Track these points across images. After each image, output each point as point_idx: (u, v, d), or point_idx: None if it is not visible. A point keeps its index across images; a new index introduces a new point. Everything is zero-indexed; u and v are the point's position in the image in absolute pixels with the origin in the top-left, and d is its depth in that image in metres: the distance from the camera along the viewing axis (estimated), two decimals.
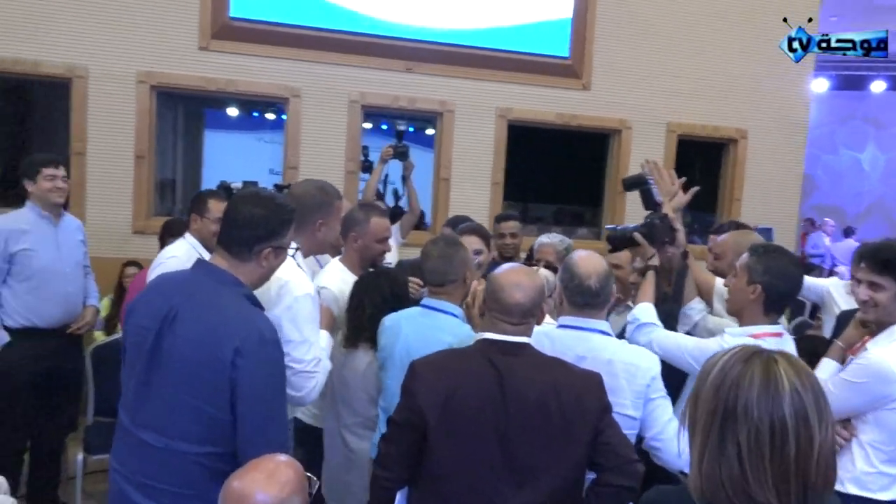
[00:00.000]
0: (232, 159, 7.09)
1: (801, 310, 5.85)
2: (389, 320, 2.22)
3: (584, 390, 1.65)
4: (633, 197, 5.21)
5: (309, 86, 4.73)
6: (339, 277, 2.52)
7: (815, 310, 4.63)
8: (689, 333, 2.48)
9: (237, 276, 1.72)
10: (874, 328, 2.04)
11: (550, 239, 3.09)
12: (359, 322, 2.32)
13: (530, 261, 3.25)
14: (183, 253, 2.87)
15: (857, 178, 12.47)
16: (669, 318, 2.43)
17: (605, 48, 5.20)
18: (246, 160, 7.13)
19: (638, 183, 2.40)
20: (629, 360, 1.90)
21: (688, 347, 2.10)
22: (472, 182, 5.05)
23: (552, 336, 1.98)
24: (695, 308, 2.47)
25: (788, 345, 2.08)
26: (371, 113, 5.04)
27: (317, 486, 1.28)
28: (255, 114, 7.95)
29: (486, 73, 4.99)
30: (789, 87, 5.46)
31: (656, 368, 1.92)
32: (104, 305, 3.89)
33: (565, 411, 1.61)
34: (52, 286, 3.04)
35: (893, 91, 11.60)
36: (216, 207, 2.94)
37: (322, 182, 2.27)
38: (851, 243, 10.11)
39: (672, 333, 2.19)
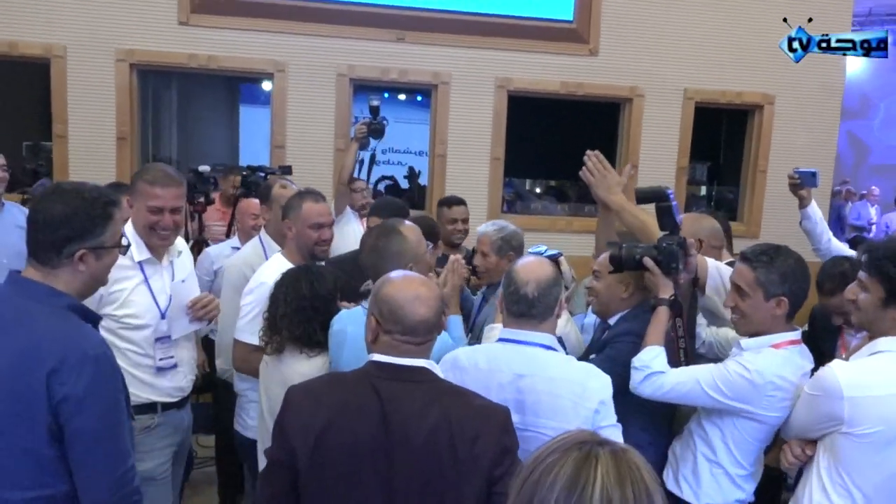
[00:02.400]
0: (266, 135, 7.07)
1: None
2: (337, 323, 2.05)
3: (482, 428, 1.45)
4: (647, 171, 5.00)
5: (294, 59, 4.58)
6: (277, 270, 2.38)
7: None
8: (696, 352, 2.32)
9: (54, 285, 1.55)
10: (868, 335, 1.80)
11: (486, 228, 2.80)
12: (272, 321, 2.15)
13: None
14: None
15: None
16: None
17: (613, 9, 4.87)
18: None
19: (655, 197, 2.12)
20: (575, 379, 1.73)
21: (705, 378, 1.90)
22: (470, 158, 4.84)
23: (489, 352, 1.82)
24: (701, 323, 2.30)
25: (800, 355, 1.93)
26: (361, 86, 4.86)
27: None
28: None
29: (484, 41, 4.73)
30: None
31: (607, 391, 1.74)
32: None
33: (458, 455, 1.42)
34: None
35: None
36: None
37: (154, 165, 2.25)
38: None
39: (682, 369, 1.99)
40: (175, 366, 2.29)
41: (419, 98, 7.48)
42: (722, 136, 5.72)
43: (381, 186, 7.34)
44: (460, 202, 3.67)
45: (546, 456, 0.82)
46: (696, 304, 2.21)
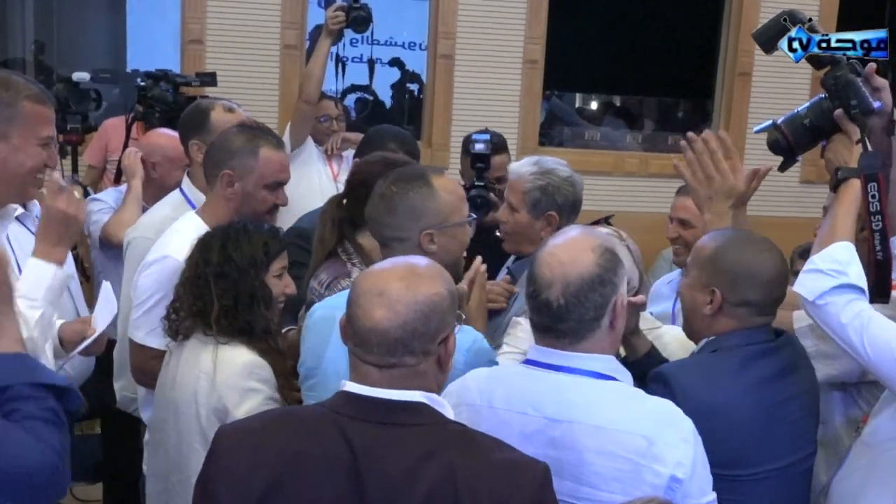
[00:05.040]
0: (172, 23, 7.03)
1: None
2: (321, 309, 2.15)
3: (504, 495, 1.47)
4: (765, 82, 4.91)
5: None
6: (193, 240, 2.39)
7: None
8: None
9: None
10: None
11: (520, 167, 2.72)
12: (176, 294, 2.33)
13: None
14: None
15: None
16: None
17: None
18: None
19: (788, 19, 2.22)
20: (638, 428, 1.72)
21: None
22: (491, 61, 4.81)
23: (510, 383, 1.83)
24: None
25: None
26: None
27: None
28: None
29: None
30: None
31: (691, 449, 1.72)
32: None
33: None
34: None
35: None
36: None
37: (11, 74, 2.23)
38: None
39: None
40: None
41: None
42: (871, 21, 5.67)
43: (349, 101, 7.24)
44: (499, 147, 3.53)
45: None
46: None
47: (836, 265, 1.94)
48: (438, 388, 1.60)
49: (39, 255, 2.07)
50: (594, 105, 6.85)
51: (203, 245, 2.30)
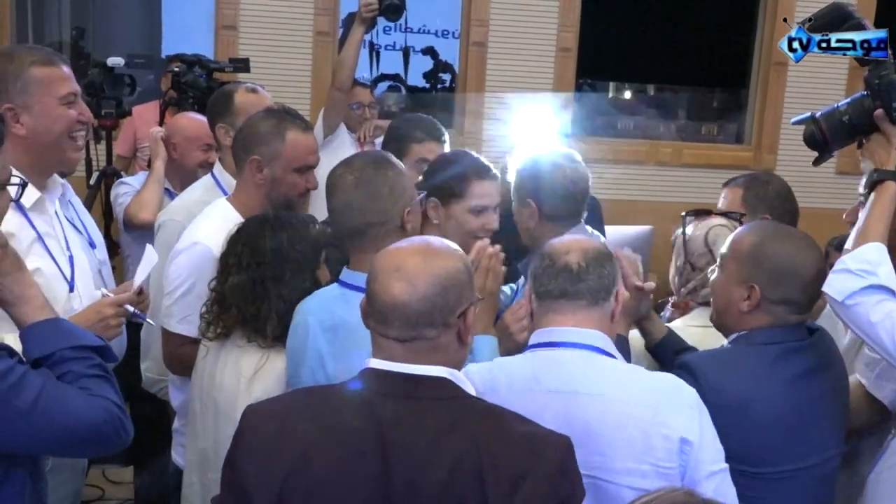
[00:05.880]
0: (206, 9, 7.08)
1: None
2: (299, 314, 2.14)
3: (526, 466, 1.48)
4: (801, 72, 4.87)
5: None
6: (222, 227, 2.41)
7: None
8: None
9: None
10: None
11: (514, 158, 2.76)
12: (220, 294, 2.24)
13: None
14: None
15: None
16: None
17: None
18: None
19: (834, 15, 2.20)
20: (643, 402, 1.75)
21: None
22: (524, 49, 4.82)
23: (512, 368, 1.86)
24: None
25: None
26: None
27: None
28: None
29: None
30: None
31: (698, 417, 1.74)
32: None
33: None
34: None
35: None
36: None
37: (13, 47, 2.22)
38: None
39: None
40: None
41: None
42: None
43: (378, 90, 7.24)
44: None
45: None
46: None
47: (866, 265, 1.93)
48: (460, 364, 1.62)
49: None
50: (628, 94, 6.86)
51: (253, 244, 2.23)
